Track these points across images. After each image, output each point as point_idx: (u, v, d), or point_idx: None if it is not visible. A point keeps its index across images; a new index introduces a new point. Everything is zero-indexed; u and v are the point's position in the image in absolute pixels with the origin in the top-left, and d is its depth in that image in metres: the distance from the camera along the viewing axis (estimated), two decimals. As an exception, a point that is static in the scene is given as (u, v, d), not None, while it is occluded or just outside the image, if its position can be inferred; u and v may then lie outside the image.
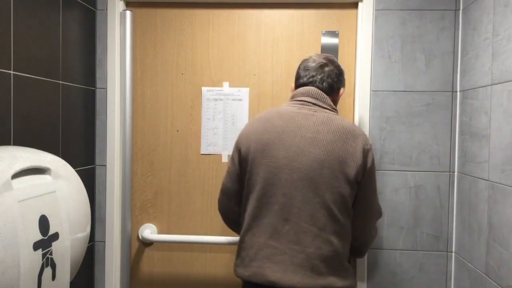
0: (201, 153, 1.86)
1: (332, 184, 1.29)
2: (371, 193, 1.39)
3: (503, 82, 1.37)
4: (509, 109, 1.32)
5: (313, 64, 1.44)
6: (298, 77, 1.47)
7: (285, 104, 1.44)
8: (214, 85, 1.85)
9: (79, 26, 1.67)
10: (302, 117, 1.35)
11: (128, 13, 1.80)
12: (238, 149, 1.41)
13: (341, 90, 1.48)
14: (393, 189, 1.76)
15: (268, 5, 1.82)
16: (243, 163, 1.39)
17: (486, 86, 1.49)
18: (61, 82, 1.54)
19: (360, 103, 1.76)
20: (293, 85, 1.51)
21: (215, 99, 1.84)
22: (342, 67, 1.50)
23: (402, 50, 1.75)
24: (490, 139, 1.45)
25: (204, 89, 1.85)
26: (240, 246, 1.38)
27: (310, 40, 1.81)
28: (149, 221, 1.88)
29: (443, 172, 1.75)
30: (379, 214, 1.46)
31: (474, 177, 1.57)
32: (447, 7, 1.73)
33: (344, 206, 1.32)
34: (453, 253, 1.76)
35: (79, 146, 1.69)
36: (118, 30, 1.81)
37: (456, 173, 1.75)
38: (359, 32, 1.77)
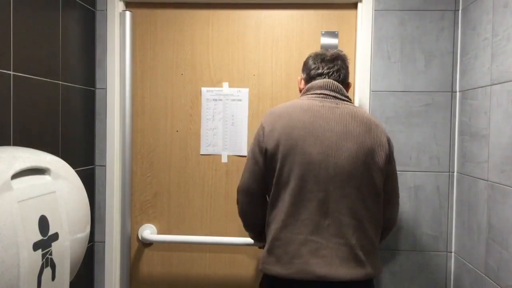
0: (201, 153, 1.86)
1: (366, 175, 1.32)
2: (395, 178, 1.43)
3: (502, 82, 1.37)
4: (509, 109, 1.33)
5: (327, 57, 1.44)
6: (311, 68, 1.45)
7: (303, 98, 1.41)
8: (213, 86, 1.85)
9: (78, 26, 1.67)
10: (328, 111, 1.35)
11: (127, 13, 1.80)
12: (262, 147, 1.36)
13: (350, 83, 1.51)
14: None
15: (268, 6, 1.82)
16: (271, 162, 1.35)
17: (485, 86, 1.49)
18: (60, 82, 1.54)
19: (359, 104, 1.76)
20: (300, 77, 1.50)
21: (215, 100, 1.84)
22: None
23: (401, 51, 1.75)
24: (489, 139, 1.45)
25: (203, 89, 1.85)
26: (273, 244, 1.33)
27: (310, 40, 1.82)
28: (148, 221, 1.88)
29: (443, 172, 1.75)
30: (399, 197, 1.48)
31: (474, 177, 1.57)
32: (447, 7, 1.73)
33: (377, 195, 1.35)
34: (453, 253, 1.76)
35: (78, 147, 1.69)
36: (118, 31, 1.81)
37: (455, 173, 1.75)
38: (358, 32, 1.77)
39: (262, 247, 1.63)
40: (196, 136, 1.86)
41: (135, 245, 1.89)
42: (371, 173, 1.33)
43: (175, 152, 1.86)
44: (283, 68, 1.83)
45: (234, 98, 1.84)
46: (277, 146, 1.34)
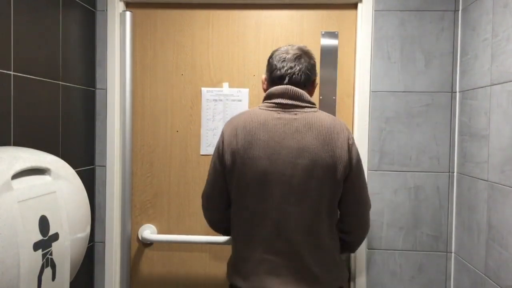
0: (201, 153, 1.86)
1: (322, 191, 1.30)
2: (360, 185, 1.36)
3: (502, 83, 1.37)
4: (509, 110, 1.33)
5: (289, 56, 1.37)
6: (273, 68, 1.38)
7: (262, 107, 1.37)
8: (213, 86, 1.85)
9: (79, 26, 1.67)
10: (284, 126, 1.31)
11: (128, 14, 1.80)
12: (223, 163, 1.36)
13: (316, 80, 1.44)
14: (392, 189, 1.76)
15: (268, 6, 1.83)
16: (229, 177, 1.36)
17: (485, 86, 1.49)
18: (61, 82, 1.54)
19: (359, 104, 1.76)
20: (264, 76, 1.44)
21: (215, 100, 1.84)
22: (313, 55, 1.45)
23: (401, 51, 1.75)
24: (489, 140, 1.45)
25: (203, 89, 1.85)
26: (236, 259, 1.37)
27: (310, 40, 1.82)
28: (148, 221, 1.88)
29: (443, 172, 1.75)
30: (368, 206, 1.43)
31: (474, 177, 1.57)
32: (447, 7, 1.74)
33: (333, 207, 1.34)
34: (453, 254, 1.76)
35: (79, 147, 1.69)
36: (118, 31, 1.81)
37: (455, 174, 1.75)
38: (358, 32, 1.77)
39: None
40: (196, 136, 1.86)
41: (135, 245, 1.89)
42: (328, 188, 1.30)
43: (175, 152, 1.86)
44: (283, 68, 1.83)
45: (234, 98, 1.84)
46: (233, 163, 1.33)
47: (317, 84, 1.45)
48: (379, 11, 1.75)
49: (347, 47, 1.81)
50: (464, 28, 1.69)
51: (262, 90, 1.83)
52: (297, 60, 1.37)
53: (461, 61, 1.72)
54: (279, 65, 1.37)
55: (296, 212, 1.29)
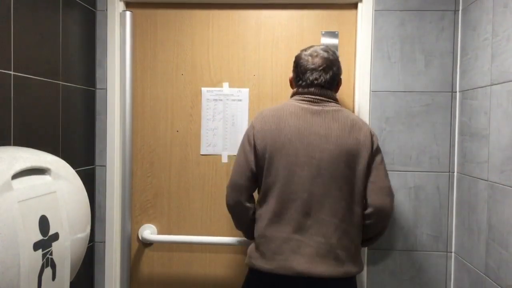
0: (201, 153, 1.86)
1: (348, 176, 1.39)
2: (382, 173, 1.44)
3: (502, 83, 1.37)
4: (509, 110, 1.33)
5: (316, 66, 1.45)
6: (300, 74, 1.47)
7: (291, 100, 1.47)
8: (214, 86, 1.85)
9: (79, 26, 1.67)
10: (312, 114, 1.42)
11: (128, 13, 1.80)
12: (253, 147, 1.44)
13: (340, 79, 1.53)
14: (393, 189, 1.76)
15: (268, 6, 1.83)
16: (259, 162, 1.43)
17: (485, 86, 1.49)
18: (61, 82, 1.54)
19: (359, 104, 1.76)
20: (291, 76, 1.54)
21: (215, 100, 1.84)
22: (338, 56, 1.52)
23: (401, 51, 1.75)
24: (489, 140, 1.45)
25: (204, 89, 1.85)
26: (259, 240, 1.42)
27: (310, 40, 1.82)
28: (149, 221, 1.88)
29: (443, 172, 1.75)
30: (392, 194, 1.47)
31: (474, 177, 1.57)
32: (447, 7, 1.74)
33: (359, 195, 1.41)
34: (453, 253, 1.76)
35: (79, 147, 1.69)
36: (118, 31, 1.81)
37: (455, 174, 1.75)
38: (358, 32, 1.77)
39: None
40: (196, 136, 1.86)
41: (135, 245, 1.89)
42: (353, 174, 1.40)
43: (175, 152, 1.86)
44: (283, 68, 1.83)
45: (234, 98, 1.84)
46: (265, 147, 1.41)
47: (341, 83, 1.54)
48: (379, 11, 1.75)
49: (347, 47, 1.81)
50: (464, 28, 1.69)
51: (262, 90, 1.85)
52: (322, 71, 1.45)
53: (461, 61, 1.72)
54: (308, 74, 1.45)
55: (323, 194, 1.37)
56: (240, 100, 1.84)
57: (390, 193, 1.46)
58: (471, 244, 1.58)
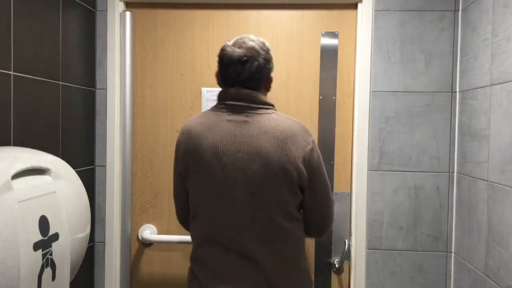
0: (201, 153, 1.85)
1: (276, 197, 1.22)
2: (321, 188, 1.30)
3: (502, 83, 1.37)
4: (509, 110, 1.33)
5: (237, 57, 1.25)
6: (223, 68, 1.29)
7: (214, 108, 1.31)
8: (213, 86, 1.85)
9: (79, 27, 1.67)
10: (236, 128, 1.24)
11: (128, 14, 1.80)
12: (176, 167, 1.34)
13: (271, 75, 1.34)
14: (392, 189, 1.76)
15: (268, 6, 1.83)
16: (185, 181, 1.32)
17: (485, 86, 1.49)
18: (61, 82, 1.54)
19: (359, 104, 1.76)
20: (216, 70, 1.34)
21: (215, 100, 1.84)
22: (268, 46, 1.31)
23: (401, 51, 1.75)
24: (489, 140, 1.45)
25: (204, 89, 1.85)
26: (192, 262, 1.33)
27: (310, 40, 1.82)
28: (149, 221, 1.88)
29: (443, 172, 1.75)
30: (332, 205, 1.35)
31: (474, 177, 1.57)
32: (447, 7, 1.74)
33: (291, 214, 1.27)
34: (453, 254, 1.76)
35: (79, 147, 1.69)
36: (118, 31, 1.81)
37: (455, 174, 1.75)
38: (358, 32, 1.77)
39: None
40: (196, 136, 1.85)
41: (135, 245, 1.89)
42: (282, 195, 1.22)
43: (175, 152, 1.86)
44: (283, 68, 1.83)
45: (234, 98, 1.84)
46: (187, 171, 1.28)
47: (272, 80, 1.35)
48: (379, 11, 1.75)
49: (347, 47, 1.81)
50: (464, 28, 1.69)
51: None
52: (244, 63, 1.25)
53: (461, 61, 1.72)
54: (230, 70, 1.27)
55: (250, 219, 1.22)
56: (240, 100, 1.83)
57: (327, 222, 1.34)
58: (471, 244, 1.58)
